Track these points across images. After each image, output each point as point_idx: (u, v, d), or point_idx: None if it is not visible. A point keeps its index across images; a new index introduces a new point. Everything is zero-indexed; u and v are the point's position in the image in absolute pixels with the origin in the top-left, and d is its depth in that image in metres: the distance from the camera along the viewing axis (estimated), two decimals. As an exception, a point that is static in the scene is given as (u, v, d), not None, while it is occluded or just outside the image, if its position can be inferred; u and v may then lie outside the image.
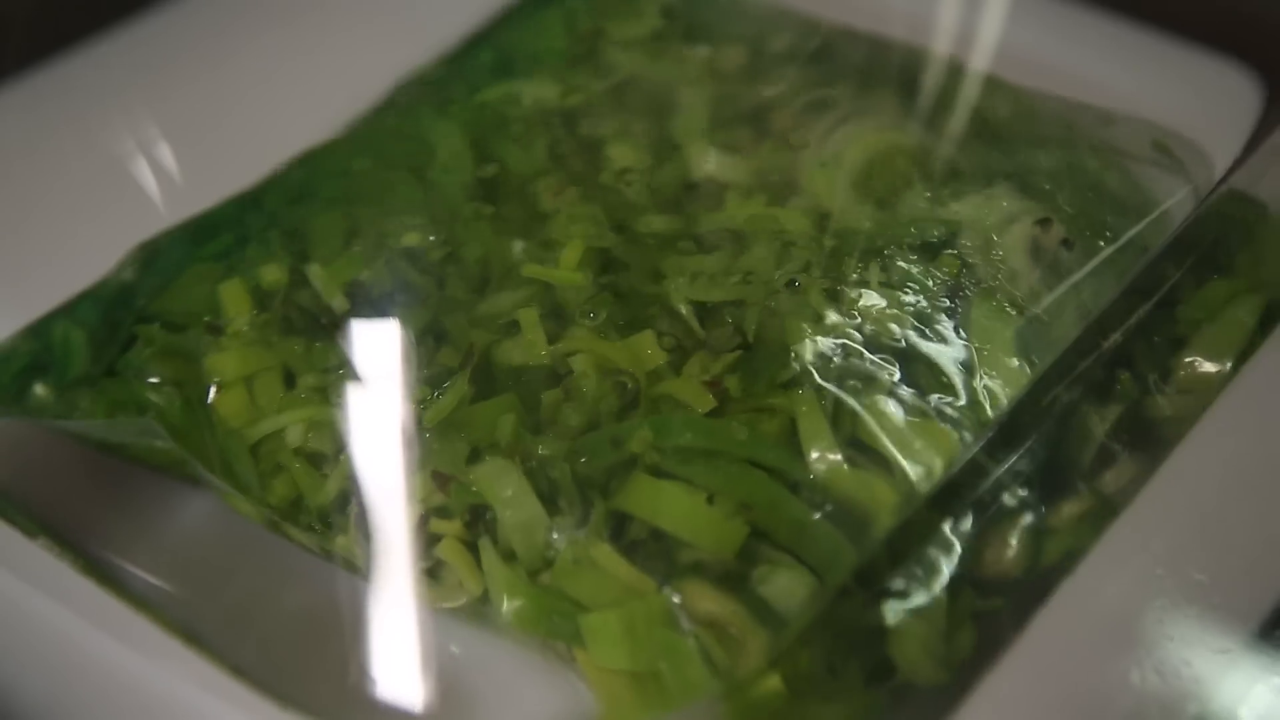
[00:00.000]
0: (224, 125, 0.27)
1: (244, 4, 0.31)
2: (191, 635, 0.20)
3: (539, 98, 0.25)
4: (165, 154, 0.27)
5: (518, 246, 0.23)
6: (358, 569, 0.21)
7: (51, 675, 0.20)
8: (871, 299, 0.21)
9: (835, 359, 0.21)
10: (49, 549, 0.21)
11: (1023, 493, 0.20)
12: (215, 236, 0.24)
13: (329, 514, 0.21)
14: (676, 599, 0.19)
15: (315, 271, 0.23)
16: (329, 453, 0.21)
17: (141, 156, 0.27)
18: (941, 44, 0.26)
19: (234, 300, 0.23)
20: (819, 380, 0.21)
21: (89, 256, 0.24)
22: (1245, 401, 0.20)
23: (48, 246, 0.25)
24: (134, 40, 0.30)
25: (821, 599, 0.19)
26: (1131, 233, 0.22)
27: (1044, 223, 0.22)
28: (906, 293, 0.22)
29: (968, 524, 0.20)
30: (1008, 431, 0.20)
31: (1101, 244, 0.22)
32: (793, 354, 0.21)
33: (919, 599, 0.19)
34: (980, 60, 0.26)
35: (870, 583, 0.19)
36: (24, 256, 0.25)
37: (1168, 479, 0.19)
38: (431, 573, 0.20)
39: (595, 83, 0.26)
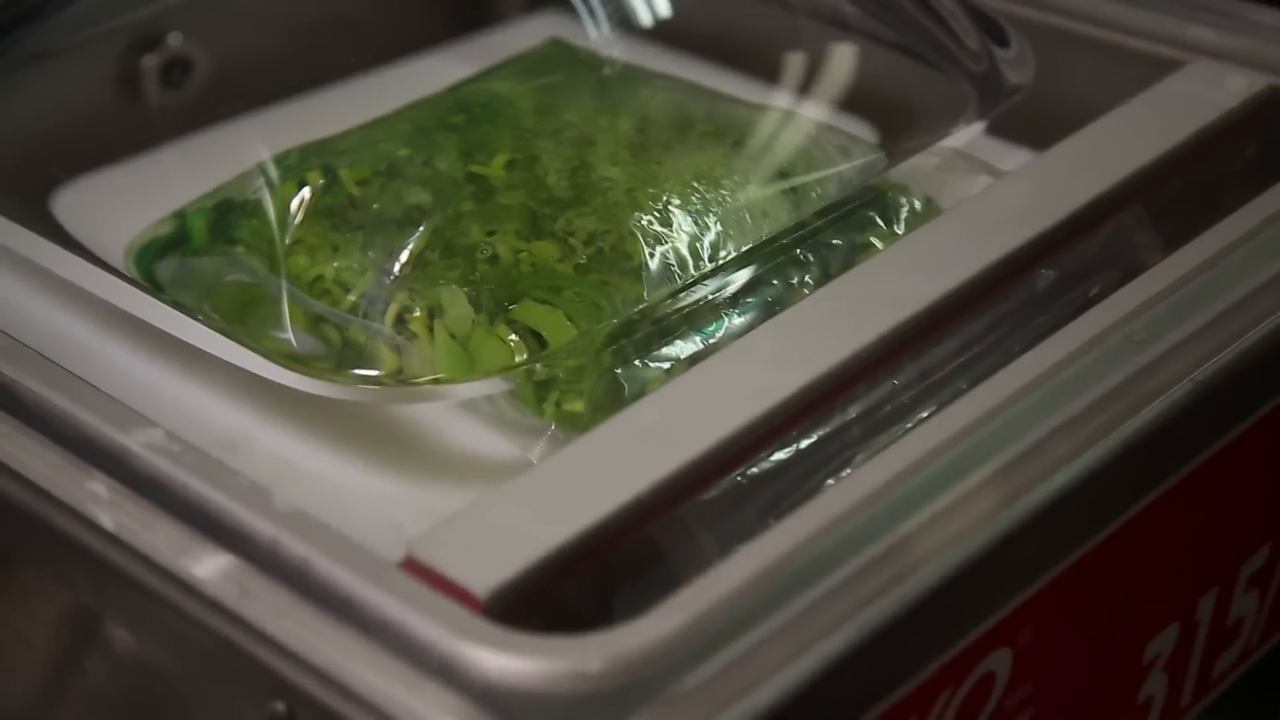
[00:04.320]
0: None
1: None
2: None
3: (511, 103, 0.42)
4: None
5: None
6: (361, 346, 0.37)
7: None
8: (677, 235, 0.38)
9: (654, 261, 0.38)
10: None
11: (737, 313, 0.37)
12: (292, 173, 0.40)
13: (349, 316, 0.37)
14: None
15: (343, 174, 0.40)
16: (353, 282, 0.37)
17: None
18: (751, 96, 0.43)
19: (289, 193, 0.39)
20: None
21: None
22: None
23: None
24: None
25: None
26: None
27: None
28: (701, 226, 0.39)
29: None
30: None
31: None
32: (631, 258, 0.38)
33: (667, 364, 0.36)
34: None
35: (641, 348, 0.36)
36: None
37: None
38: (404, 344, 0.37)
39: (547, 120, 0.42)
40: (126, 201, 0.43)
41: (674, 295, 0.37)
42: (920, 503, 0.31)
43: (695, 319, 0.37)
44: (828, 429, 0.34)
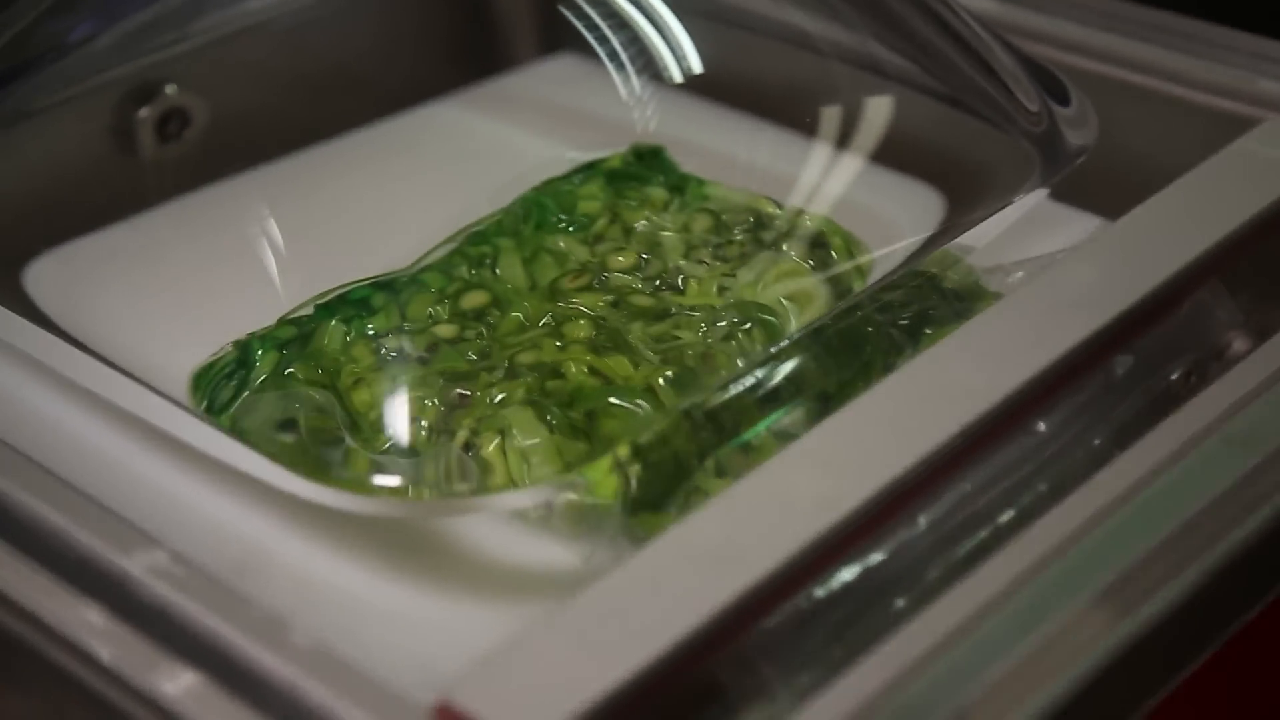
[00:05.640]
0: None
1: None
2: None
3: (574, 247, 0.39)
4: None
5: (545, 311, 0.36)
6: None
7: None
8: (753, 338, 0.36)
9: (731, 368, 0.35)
10: None
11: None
12: (353, 306, 0.37)
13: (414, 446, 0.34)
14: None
15: (403, 302, 0.37)
16: (417, 414, 0.34)
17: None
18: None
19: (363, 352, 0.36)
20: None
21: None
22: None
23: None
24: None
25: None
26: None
27: None
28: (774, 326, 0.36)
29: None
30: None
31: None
32: (706, 366, 0.35)
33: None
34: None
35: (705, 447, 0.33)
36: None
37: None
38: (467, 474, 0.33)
39: (613, 229, 0.39)
40: (113, 267, 0.40)
41: (738, 393, 0.34)
42: (1013, 639, 0.28)
43: (758, 414, 0.34)
44: (899, 543, 0.31)
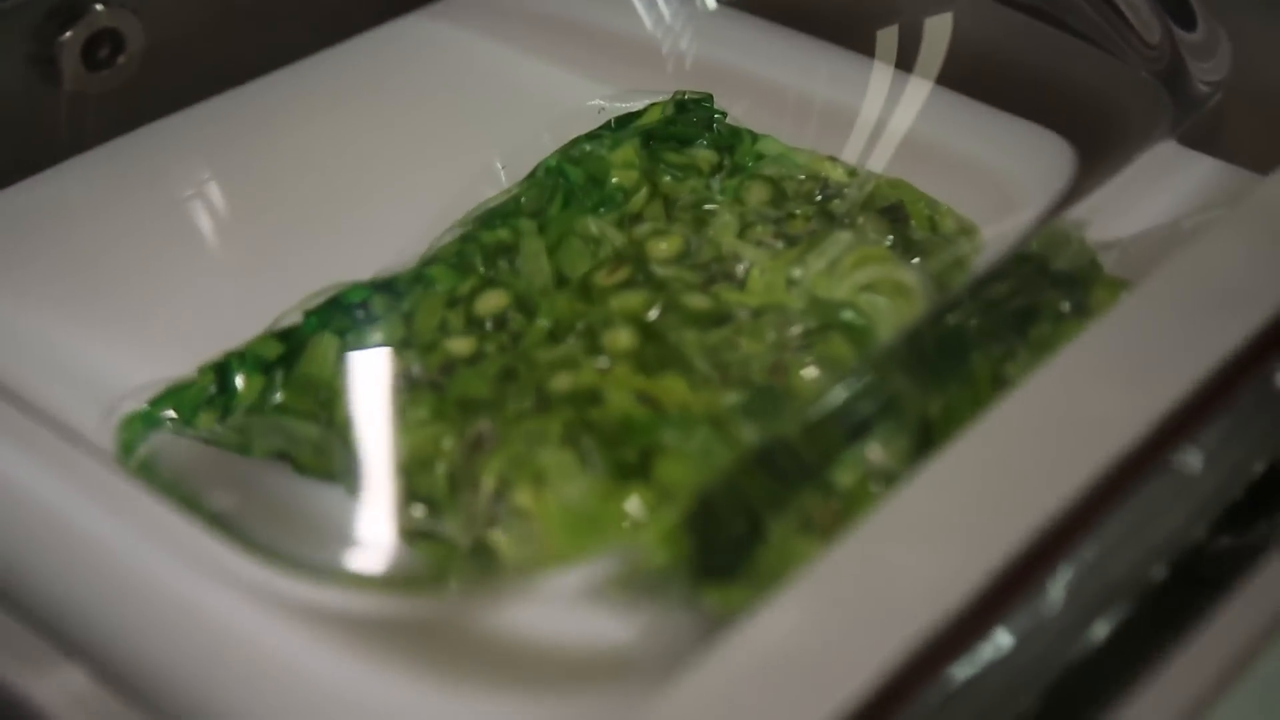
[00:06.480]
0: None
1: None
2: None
3: (608, 231, 0.32)
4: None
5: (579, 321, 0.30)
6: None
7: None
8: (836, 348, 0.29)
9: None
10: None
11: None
12: (348, 314, 0.30)
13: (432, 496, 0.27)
14: None
15: (406, 313, 0.30)
16: (431, 455, 0.27)
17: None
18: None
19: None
20: None
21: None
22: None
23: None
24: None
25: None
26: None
27: None
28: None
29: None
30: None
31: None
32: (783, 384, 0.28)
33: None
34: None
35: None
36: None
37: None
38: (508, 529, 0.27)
39: (653, 206, 0.32)
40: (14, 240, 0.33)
41: (821, 420, 0.27)
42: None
43: (845, 449, 0.27)
44: (1028, 626, 0.24)
